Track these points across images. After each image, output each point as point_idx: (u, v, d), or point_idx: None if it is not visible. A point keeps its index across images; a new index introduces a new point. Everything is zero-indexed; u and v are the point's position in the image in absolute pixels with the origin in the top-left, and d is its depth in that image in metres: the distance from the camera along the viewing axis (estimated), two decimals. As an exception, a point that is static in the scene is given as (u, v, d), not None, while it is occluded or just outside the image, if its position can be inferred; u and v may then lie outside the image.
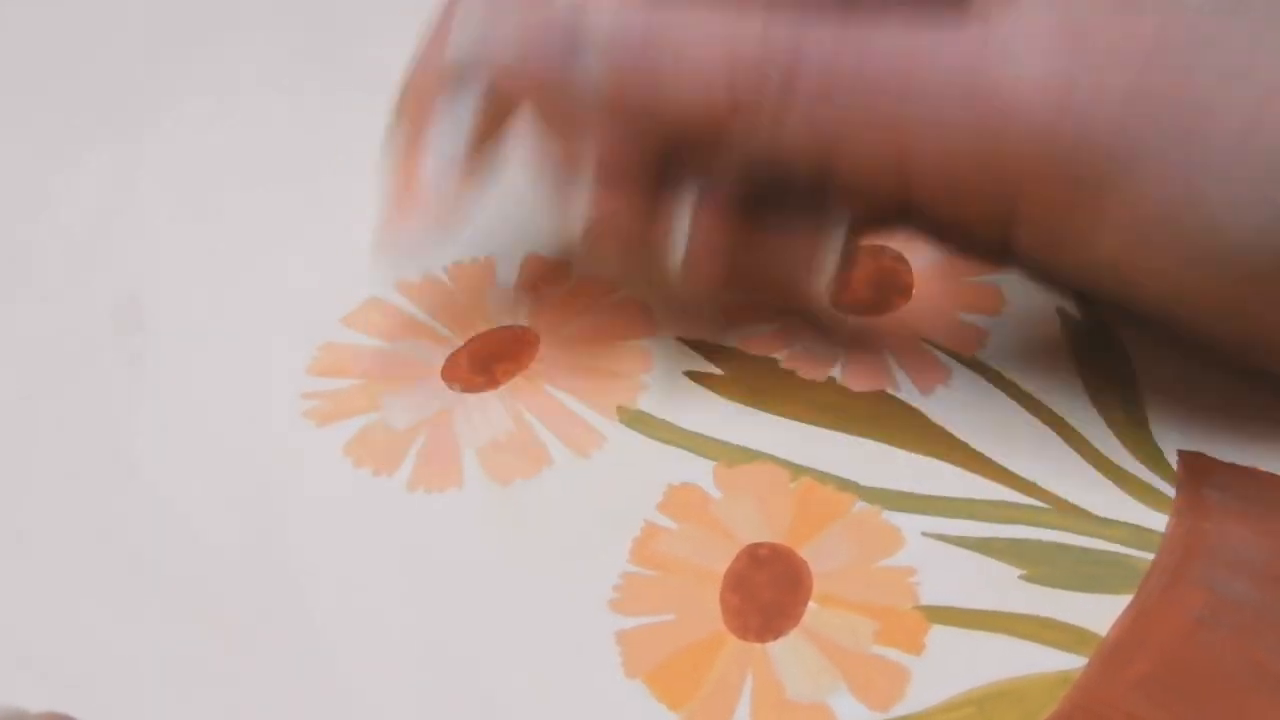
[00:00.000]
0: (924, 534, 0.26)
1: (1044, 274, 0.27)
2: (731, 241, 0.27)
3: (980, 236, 0.26)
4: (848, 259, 0.29)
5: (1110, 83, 0.23)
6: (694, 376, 0.29)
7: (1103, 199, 0.24)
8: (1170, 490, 0.27)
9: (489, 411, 0.29)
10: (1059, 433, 0.28)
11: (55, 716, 0.21)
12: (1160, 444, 0.27)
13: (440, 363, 0.30)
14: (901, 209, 0.26)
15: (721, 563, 0.26)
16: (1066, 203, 0.24)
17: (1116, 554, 0.26)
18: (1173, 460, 0.27)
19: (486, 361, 0.30)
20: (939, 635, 0.25)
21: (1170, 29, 0.23)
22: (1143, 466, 0.27)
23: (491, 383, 0.29)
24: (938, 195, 0.25)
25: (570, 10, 0.26)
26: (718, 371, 0.29)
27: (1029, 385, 0.29)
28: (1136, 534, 0.26)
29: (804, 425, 0.28)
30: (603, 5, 0.25)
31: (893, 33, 0.25)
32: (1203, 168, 0.23)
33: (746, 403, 0.28)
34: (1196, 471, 0.27)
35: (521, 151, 0.28)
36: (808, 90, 0.25)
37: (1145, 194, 0.24)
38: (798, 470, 0.27)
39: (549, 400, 0.29)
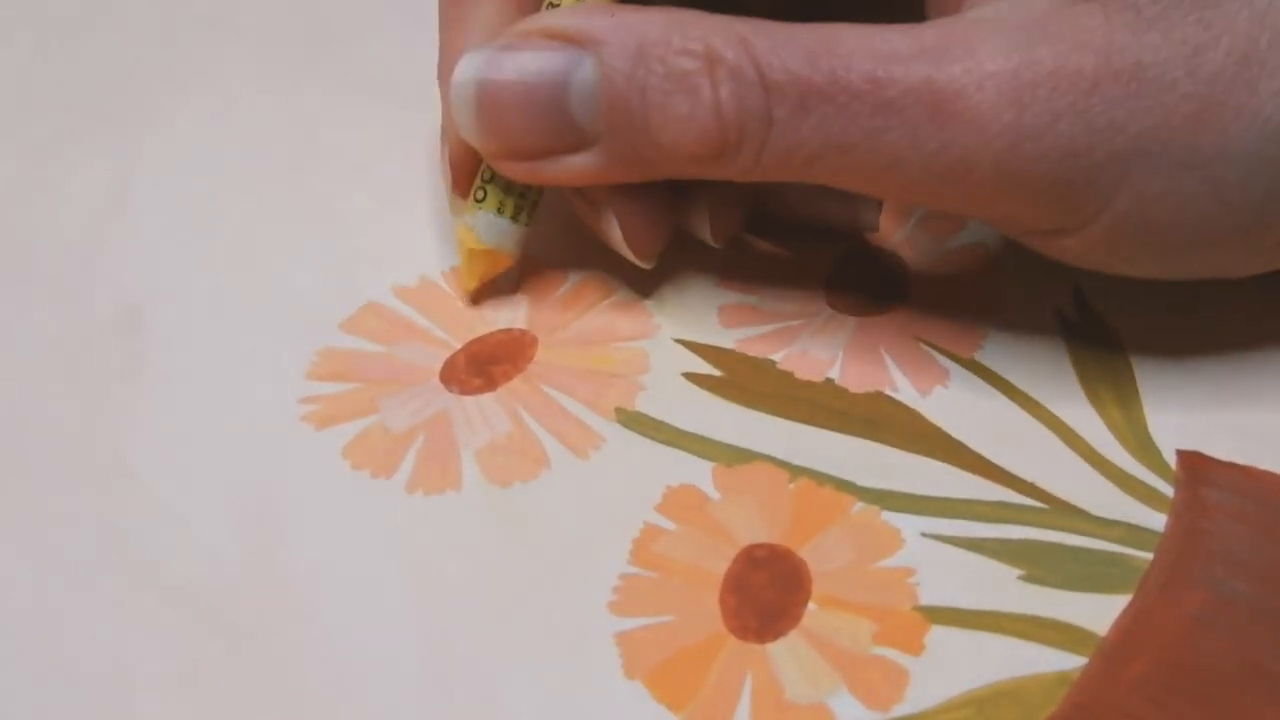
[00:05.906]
0: (923, 534, 0.26)
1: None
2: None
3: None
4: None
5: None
6: (692, 378, 0.29)
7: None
8: (1169, 490, 0.27)
9: (487, 413, 0.29)
10: (1057, 433, 0.28)
11: None
12: (1159, 443, 0.27)
13: (438, 366, 0.30)
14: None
15: (721, 564, 0.26)
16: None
17: (1115, 554, 0.26)
18: (1171, 459, 0.27)
19: (484, 364, 0.30)
20: (938, 636, 0.25)
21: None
22: (1141, 466, 0.27)
23: (489, 385, 0.29)
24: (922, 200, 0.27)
25: (560, 64, 0.27)
26: (716, 373, 0.29)
27: (1027, 386, 0.29)
28: (1135, 534, 0.26)
29: (802, 426, 0.28)
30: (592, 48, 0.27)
31: (860, 42, 0.25)
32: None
33: (744, 404, 0.28)
34: (1195, 470, 0.27)
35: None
36: (784, 116, 0.25)
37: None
38: (796, 471, 0.27)
39: (547, 402, 0.29)
